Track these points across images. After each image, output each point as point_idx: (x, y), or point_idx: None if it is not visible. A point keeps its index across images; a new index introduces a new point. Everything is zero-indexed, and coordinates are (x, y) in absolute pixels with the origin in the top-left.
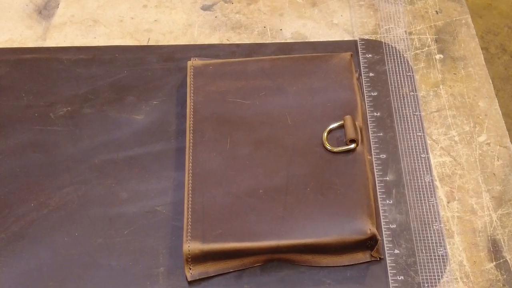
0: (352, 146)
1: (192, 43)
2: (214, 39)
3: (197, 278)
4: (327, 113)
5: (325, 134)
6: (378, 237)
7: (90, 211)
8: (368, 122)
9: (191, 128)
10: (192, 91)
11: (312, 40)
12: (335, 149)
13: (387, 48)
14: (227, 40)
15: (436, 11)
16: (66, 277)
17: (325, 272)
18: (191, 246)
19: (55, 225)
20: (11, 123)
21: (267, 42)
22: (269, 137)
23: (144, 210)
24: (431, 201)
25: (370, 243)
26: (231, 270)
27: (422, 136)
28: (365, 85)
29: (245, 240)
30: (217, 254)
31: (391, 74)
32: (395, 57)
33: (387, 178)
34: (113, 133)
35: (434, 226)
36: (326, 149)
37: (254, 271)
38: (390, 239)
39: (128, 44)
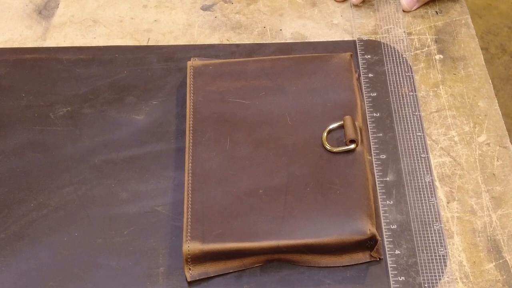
0: (352, 146)
1: (192, 43)
2: (214, 39)
3: (197, 278)
4: (327, 113)
5: (325, 134)
6: (378, 237)
7: (90, 211)
8: (368, 122)
9: (191, 128)
10: (192, 91)
11: (312, 40)
12: (335, 149)
13: (387, 49)
14: (227, 40)
15: (436, 11)
16: (66, 277)
17: (325, 272)
18: (191, 246)
19: (55, 225)
20: (11, 123)
21: (267, 42)
22: (269, 137)
23: (144, 210)
24: (432, 201)
25: (369, 243)
26: (231, 271)
27: (422, 136)
28: (364, 86)
29: (245, 240)
30: (217, 254)
31: (390, 74)
32: (395, 58)
33: (387, 179)
34: (113, 133)
35: (434, 226)
36: (326, 149)
37: (254, 271)
38: (391, 239)
39: (128, 44)
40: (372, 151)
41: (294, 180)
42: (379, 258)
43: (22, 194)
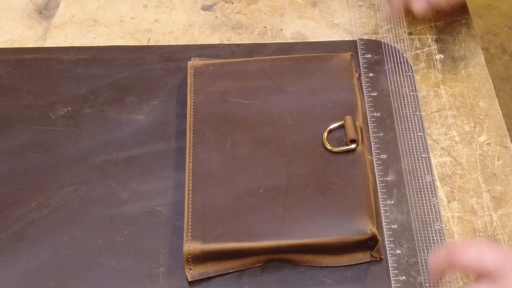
0: (353, 146)
1: (192, 43)
2: (214, 39)
3: (198, 278)
4: (327, 113)
5: (325, 134)
6: (379, 237)
7: (91, 211)
8: (368, 122)
9: (191, 128)
10: (192, 91)
11: (312, 40)
12: (335, 149)
13: (387, 48)
14: (228, 40)
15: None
16: (66, 277)
17: (326, 272)
18: (191, 246)
19: (55, 225)
20: (11, 123)
21: (268, 42)
22: (270, 137)
23: (144, 210)
24: (432, 201)
25: (370, 243)
26: (231, 271)
27: (423, 136)
28: (365, 85)
29: (245, 240)
30: (218, 254)
31: (391, 74)
32: (395, 57)
33: (388, 178)
34: (113, 133)
35: (435, 226)
36: (327, 149)
37: (255, 271)
38: (392, 239)
39: (128, 44)
40: (373, 151)
41: (295, 180)
42: (380, 258)
43: (22, 194)
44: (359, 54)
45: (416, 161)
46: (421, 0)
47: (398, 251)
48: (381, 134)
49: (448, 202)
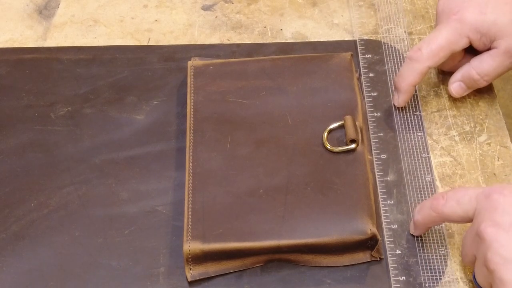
0: (353, 146)
1: (192, 43)
2: (214, 39)
3: (198, 278)
4: (328, 113)
5: (326, 134)
6: (379, 237)
7: (91, 211)
8: (368, 122)
9: (192, 128)
10: (192, 91)
11: (312, 40)
12: (336, 149)
13: (387, 48)
14: (228, 40)
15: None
16: (67, 277)
17: (326, 272)
18: (191, 246)
19: (55, 225)
20: (12, 123)
21: (268, 42)
22: (270, 137)
23: (144, 210)
24: None
25: (370, 243)
26: (231, 271)
27: (423, 136)
28: (365, 85)
29: (245, 240)
30: (218, 254)
31: (391, 74)
32: (395, 57)
33: (388, 178)
34: (113, 133)
35: (435, 226)
36: (327, 149)
37: (255, 271)
38: (392, 239)
39: (128, 44)
40: (373, 151)
41: (295, 180)
42: (380, 257)
43: (22, 194)
44: (359, 54)
45: (416, 161)
46: (457, 82)
47: (398, 251)
48: (381, 134)
49: None
